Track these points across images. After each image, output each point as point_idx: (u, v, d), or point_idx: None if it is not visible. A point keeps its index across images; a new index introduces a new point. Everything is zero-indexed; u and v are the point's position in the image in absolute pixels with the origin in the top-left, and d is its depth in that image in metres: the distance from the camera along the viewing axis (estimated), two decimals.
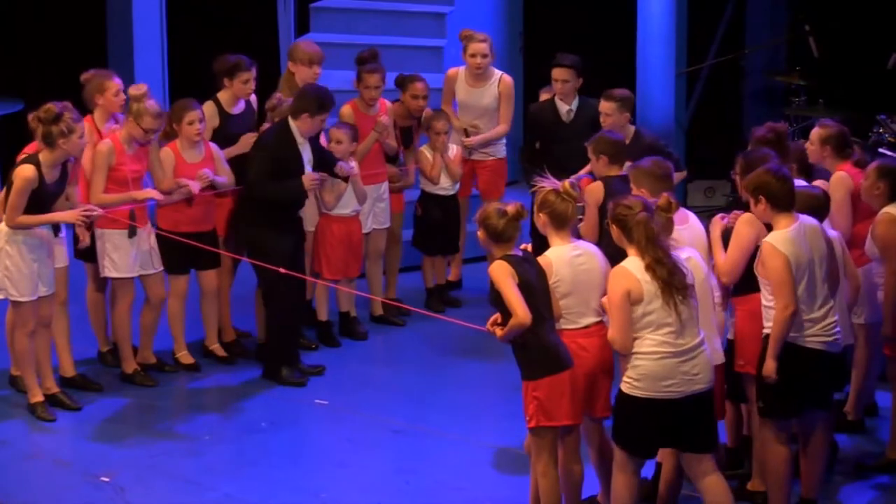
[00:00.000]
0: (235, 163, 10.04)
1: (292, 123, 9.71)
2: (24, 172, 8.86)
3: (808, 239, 7.55)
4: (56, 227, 9.26)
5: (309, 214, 10.28)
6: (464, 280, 11.75)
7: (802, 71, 13.31)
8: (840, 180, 8.71)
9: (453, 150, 11.08)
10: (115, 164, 9.46)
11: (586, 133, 10.24)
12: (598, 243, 7.97)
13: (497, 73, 11.25)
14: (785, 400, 7.57)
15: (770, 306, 7.54)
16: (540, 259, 7.48)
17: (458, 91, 11.26)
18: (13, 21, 14.35)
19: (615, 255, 7.46)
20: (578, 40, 12.46)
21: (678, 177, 9.08)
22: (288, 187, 9.71)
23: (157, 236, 9.73)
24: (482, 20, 12.91)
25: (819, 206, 7.95)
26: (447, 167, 11.02)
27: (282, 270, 9.38)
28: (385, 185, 10.85)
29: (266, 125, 10.17)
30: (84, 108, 9.52)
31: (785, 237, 7.49)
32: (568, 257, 7.49)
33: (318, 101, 9.72)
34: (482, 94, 11.20)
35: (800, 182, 8.39)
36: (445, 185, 11.09)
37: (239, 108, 10.20)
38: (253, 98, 10.32)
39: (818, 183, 8.56)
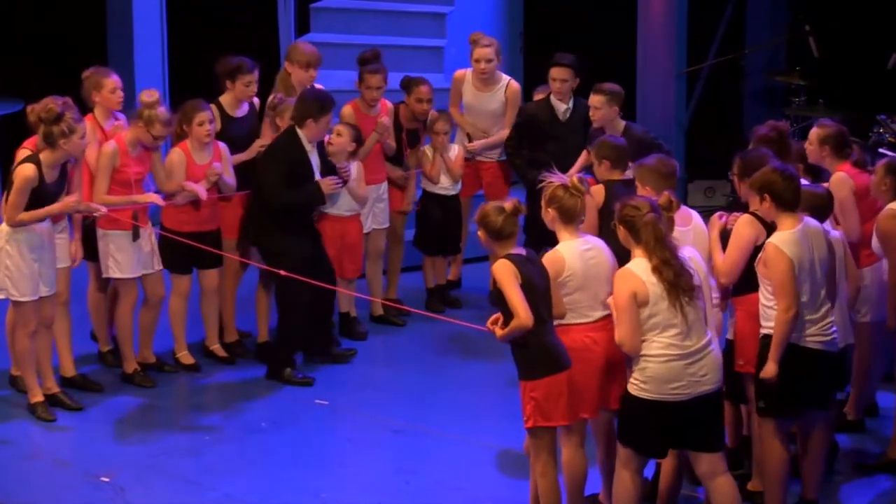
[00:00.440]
0: (240, 169, 10.06)
1: (299, 131, 9.75)
2: (24, 172, 8.87)
3: (811, 240, 7.55)
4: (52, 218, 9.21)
5: None
6: (464, 280, 11.75)
7: (802, 71, 13.31)
8: (841, 181, 8.70)
9: (455, 150, 11.08)
10: (119, 166, 9.47)
11: (581, 132, 10.27)
12: None
13: (505, 78, 11.24)
14: (784, 400, 7.57)
15: (769, 306, 7.55)
16: (551, 254, 7.49)
17: (466, 94, 11.26)
18: (13, 21, 14.35)
19: (619, 256, 7.47)
20: (578, 40, 12.46)
21: None
22: (306, 193, 9.78)
23: (161, 235, 9.73)
24: (482, 20, 12.91)
25: (822, 206, 7.96)
26: (447, 167, 11.02)
27: (282, 272, 9.42)
28: (385, 186, 10.86)
29: (266, 123, 10.19)
30: (84, 107, 9.52)
31: (789, 238, 7.49)
32: (578, 251, 7.50)
33: (318, 104, 9.75)
34: (489, 98, 11.20)
35: (803, 181, 8.41)
36: (446, 185, 11.09)
37: (242, 110, 10.20)
38: (255, 100, 10.32)
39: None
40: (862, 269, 8.56)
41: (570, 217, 7.49)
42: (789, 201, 7.55)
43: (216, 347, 10.27)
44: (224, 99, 10.13)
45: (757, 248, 7.70)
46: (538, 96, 11.10)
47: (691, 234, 7.90)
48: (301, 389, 9.78)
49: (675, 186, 7.90)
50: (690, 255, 7.35)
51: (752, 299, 7.73)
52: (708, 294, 7.40)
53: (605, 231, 7.92)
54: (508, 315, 7.25)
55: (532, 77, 12.65)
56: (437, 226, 11.19)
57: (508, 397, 9.06)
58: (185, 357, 10.12)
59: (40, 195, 8.93)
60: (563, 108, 10.72)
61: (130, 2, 13.15)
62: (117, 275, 9.64)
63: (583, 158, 10.26)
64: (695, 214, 8.06)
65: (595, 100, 9.91)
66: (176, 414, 9.54)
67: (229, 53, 10.18)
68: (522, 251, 7.37)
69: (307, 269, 9.59)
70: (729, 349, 7.90)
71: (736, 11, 14.46)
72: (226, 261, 10.12)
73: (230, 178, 9.94)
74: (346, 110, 10.67)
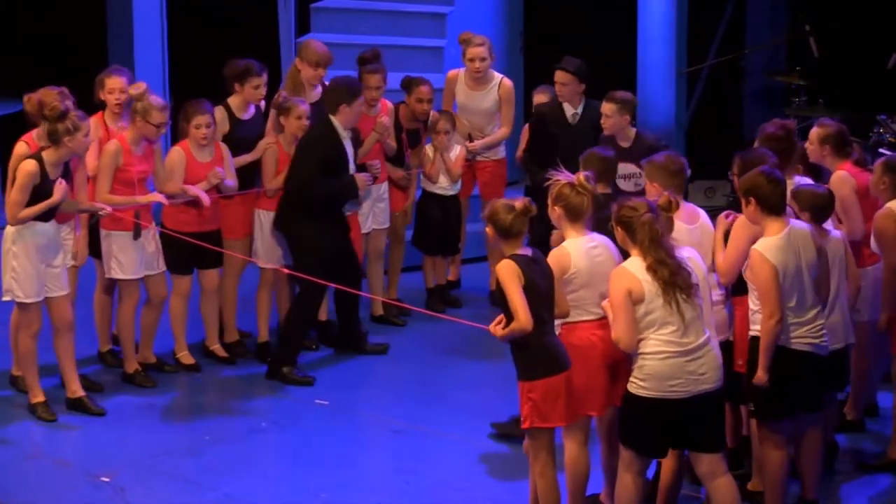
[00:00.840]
0: (243, 169, 10.06)
1: (333, 119, 9.82)
2: (26, 167, 8.85)
3: (797, 244, 7.55)
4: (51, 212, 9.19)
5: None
6: (463, 280, 11.75)
7: (802, 71, 13.30)
8: (842, 179, 8.70)
9: (456, 150, 11.08)
10: (122, 165, 9.46)
11: (591, 135, 10.27)
12: None
13: (497, 76, 11.25)
14: (773, 402, 7.58)
15: (756, 310, 7.57)
16: (557, 250, 7.50)
17: (459, 94, 11.27)
18: (13, 21, 14.35)
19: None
20: (578, 40, 12.46)
21: None
22: (342, 185, 9.91)
23: (162, 235, 9.73)
24: (482, 20, 12.90)
25: (823, 206, 7.96)
26: (447, 167, 11.02)
27: (285, 270, 9.43)
28: (385, 185, 10.86)
29: (270, 122, 10.19)
30: (87, 106, 9.49)
31: (773, 244, 7.49)
32: (585, 249, 7.51)
33: (349, 89, 9.89)
34: (482, 97, 11.20)
35: (806, 180, 8.41)
36: (444, 185, 11.09)
37: (249, 113, 10.20)
38: (261, 103, 10.33)
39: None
40: (864, 268, 8.55)
41: (577, 215, 7.51)
42: (774, 205, 7.55)
43: (216, 347, 10.27)
44: (232, 101, 10.13)
45: None
46: (537, 96, 11.11)
47: (698, 231, 7.91)
48: (301, 389, 9.78)
49: (684, 184, 7.92)
50: (689, 254, 7.36)
51: None
52: (707, 293, 7.41)
53: (608, 231, 7.90)
54: (509, 315, 7.26)
55: (532, 77, 12.65)
56: (436, 225, 11.18)
57: (508, 397, 9.05)
58: (186, 357, 10.12)
59: (42, 193, 8.92)
60: (571, 111, 10.71)
61: (130, 2, 13.15)
62: (119, 275, 9.64)
63: None
64: (702, 213, 8.07)
65: (606, 108, 9.94)
66: (176, 414, 9.54)
67: (230, 53, 10.20)
68: (528, 251, 7.37)
69: (331, 263, 9.69)
70: (728, 349, 7.89)
71: (736, 11, 14.46)
72: (226, 261, 10.12)
73: (231, 179, 9.93)
74: None
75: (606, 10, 14.06)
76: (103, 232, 9.59)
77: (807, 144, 8.91)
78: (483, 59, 11.07)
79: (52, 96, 8.98)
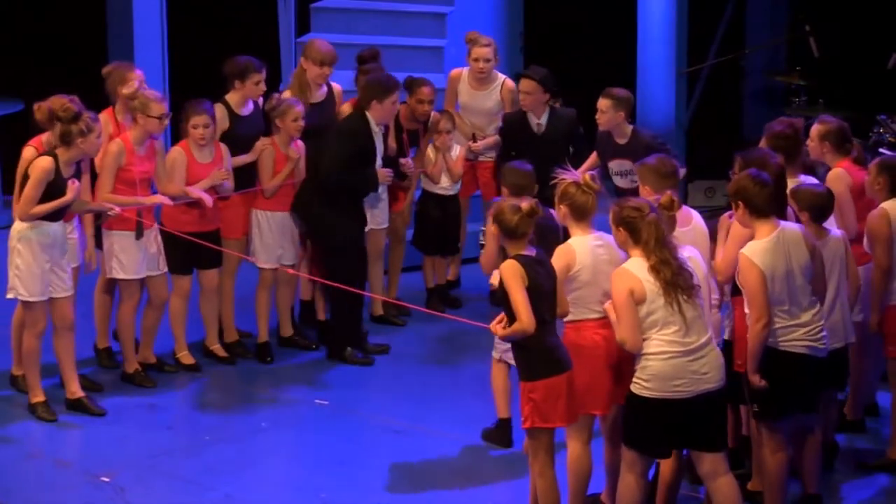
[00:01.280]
0: (241, 169, 10.07)
1: (368, 114, 9.95)
2: (42, 164, 8.84)
3: (786, 246, 7.54)
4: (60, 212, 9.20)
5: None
6: (463, 280, 11.75)
7: (802, 71, 13.32)
8: (838, 176, 8.70)
9: (457, 150, 11.09)
10: (124, 165, 9.46)
11: (559, 144, 10.30)
12: None
13: (500, 77, 11.26)
14: (770, 404, 7.58)
15: (748, 312, 7.58)
16: (563, 248, 7.51)
17: (461, 93, 11.27)
18: (13, 21, 14.36)
19: None
20: (578, 40, 12.48)
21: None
22: (362, 177, 10.04)
23: (162, 235, 9.72)
24: (482, 20, 12.90)
25: (823, 205, 7.96)
26: (448, 167, 11.02)
27: (290, 271, 9.48)
28: (385, 185, 10.84)
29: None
30: (91, 104, 9.48)
31: (760, 248, 7.49)
32: (590, 247, 7.52)
33: (381, 85, 9.98)
34: (485, 97, 11.21)
35: (811, 180, 8.41)
36: (445, 185, 11.09)
37: (248, 109, 10.21)
38: (259, 99, 10.34)
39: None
40: (858, 266, 8.55)
41: (582, 213, 7.52)
42: (762, 208, 7.54)
43: (216, 347, 10.27)
44: (231, 98, 10.13)
45: None
46: None
47: (691, 233, 7.90)
48: (301, 389, 9.78)
49: (676, 187, 7.92)
50: (690, 254, 7.36)
51: None
52: (707, 294, 7.41)
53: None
54: (511, 315, 7.26)
55: None
56: (435, 225, 11.19)
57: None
58: (186, 357, 10.12)
59: (55, 191, 8.91)
60: (535, 120, 10.66)
61: (130, 2, 13.16)
62: (120, 275, 9.64)
63: (591, 159, 10.36)
64: (695, 214, 8.07)
65: (601, 103, 9.94)
66: (176, 414, 9.54)
67: (230, 53, 10.19)
68: (532, 251, 7.37)
69: (354, 249, 9.93)
70: (727, 349, 7.89)
71: (736, 11, 14.47)
72: (225, 261, 10.12)
73: (228, 180, 9.94)
74: (345, 109, 10.67)
75: (606, 10, 14.07)
76: (105, 232, 9.59)
77: (808, 142, 8.91)
78: (488, 60, 11.08)
79: (63, 102, 8.99)
